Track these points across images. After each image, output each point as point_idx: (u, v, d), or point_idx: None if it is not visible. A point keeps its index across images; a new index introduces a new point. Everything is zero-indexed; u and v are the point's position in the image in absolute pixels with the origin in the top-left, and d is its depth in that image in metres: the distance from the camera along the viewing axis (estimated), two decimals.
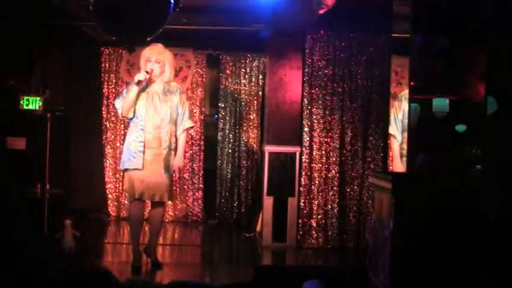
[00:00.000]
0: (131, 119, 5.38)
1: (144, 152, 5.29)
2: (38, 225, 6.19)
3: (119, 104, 5.40)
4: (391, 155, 6.59)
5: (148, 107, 5.34)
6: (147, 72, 5.31)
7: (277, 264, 6.13)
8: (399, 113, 6.25)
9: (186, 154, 7.67)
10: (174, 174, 5.63)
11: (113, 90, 7.91)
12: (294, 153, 6.46)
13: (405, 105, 6.13)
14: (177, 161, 5.47)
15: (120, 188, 7.85)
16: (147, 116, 5.33)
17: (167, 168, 5.37)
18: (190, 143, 7.87)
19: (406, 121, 6.09)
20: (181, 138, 5.52)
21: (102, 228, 7.46)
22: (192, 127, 5.88)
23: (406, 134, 6.02)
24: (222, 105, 8.04)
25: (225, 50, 8.01)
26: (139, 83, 5.29)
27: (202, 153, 8.02)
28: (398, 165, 6.24)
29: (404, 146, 6.10)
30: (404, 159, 6.08)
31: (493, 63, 4.85)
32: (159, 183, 5.34)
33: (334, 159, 6.48)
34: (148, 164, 5.31)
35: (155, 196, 5.36)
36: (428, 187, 4.27)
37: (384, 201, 4.48)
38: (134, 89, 5.30)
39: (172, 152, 5.43)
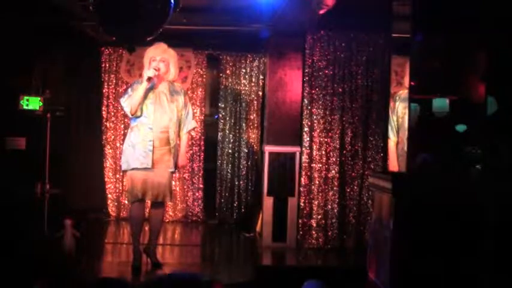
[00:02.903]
0: (137, 117, 5.36)
1: (153, 152, 5.30)
2: (38, 225, 6.19)
3: (125, 102, 5.37)
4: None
5: (157, 106, 5.34)
6: (155, 69, 5.31)
7: (277, 264, 6.13)
8: (393, 114, 6.25)
9: (186, 154, 7.65)
10: (175, 174, 5.63)
11: (113, 91, 7.91)
12: (294, 153, 6.46)
13: (399, 105, 6.16)
14: (181, 159, 5.51)
15: (120, 188, 7.85)
16: (155, 115, 5.33)
17: (172, 167, 5.40)
18: (190, 143, 7.84)
19: (401, 121, 6.11)
20: (184, 139, 5.57)
21: (102, 228, 7.46)
22: (194, 128, 5.89)
23: (402, 134, 6.04)
24: (222, 106, 8.04)
25: (225, 50, 8.00)
26: (149, 79, 5.29)
27: (202, 153, 8.02)
28: (394, 164, 6.24)
29: (401, 146, 6.10)
30: (401, 158, 6.09)
31: (493, 63, 4.85)
32: (163, 183, 5.35)
33: (334, 159, 6.47)
34: (154, 163, 5.32)
35: (158, 196, 5.36)
36: (428, 187, 4.27)
37: (383, 201, 4.48)
38: (143, 86, 5.29)
39: (176, 152, 5.45)
